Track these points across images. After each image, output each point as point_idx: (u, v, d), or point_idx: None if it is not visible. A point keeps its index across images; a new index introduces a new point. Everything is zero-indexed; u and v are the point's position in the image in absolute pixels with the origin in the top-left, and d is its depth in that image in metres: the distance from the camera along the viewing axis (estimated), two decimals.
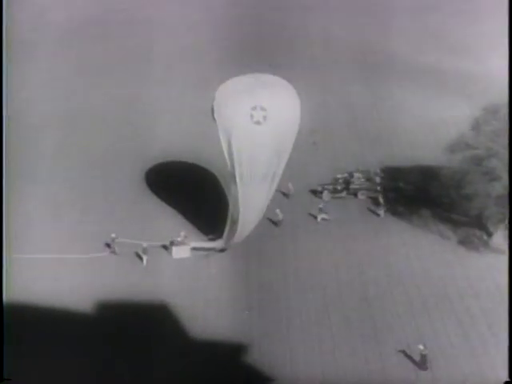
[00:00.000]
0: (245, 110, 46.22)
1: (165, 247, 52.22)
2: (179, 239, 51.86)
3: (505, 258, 50.24)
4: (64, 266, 50.14)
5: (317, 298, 48.21)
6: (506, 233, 52.64)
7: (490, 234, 53.36)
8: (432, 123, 69.25)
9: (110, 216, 55.83)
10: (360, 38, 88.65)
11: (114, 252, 51.62)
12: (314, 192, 59.75)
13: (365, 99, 74.87)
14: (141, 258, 51.08)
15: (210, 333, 45.15)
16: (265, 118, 46.14)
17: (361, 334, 45.25)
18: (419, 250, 52.73)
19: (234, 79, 49.22)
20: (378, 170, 61.24)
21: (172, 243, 51.77)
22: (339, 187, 59.94)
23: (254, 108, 46.11)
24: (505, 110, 51.14)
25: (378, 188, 59.58)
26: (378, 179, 60.41)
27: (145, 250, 50.95)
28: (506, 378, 35.33)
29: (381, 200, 58.06)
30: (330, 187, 59.97)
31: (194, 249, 52.06)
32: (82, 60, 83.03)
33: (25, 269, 48.80)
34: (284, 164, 48.31)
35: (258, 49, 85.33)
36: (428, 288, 48.99)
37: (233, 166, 47.24)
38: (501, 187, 51.34)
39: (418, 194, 58.77)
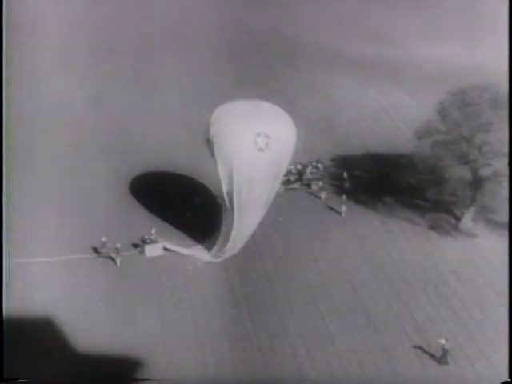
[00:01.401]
0: (248, 136, 45.72)
1: (136, 246, 49.59)
2: (151, 237, 49.39)
3: (479, 241, 51.32)
4: (58, 270, 47.29)
5: (302, 292, 46.90)
6: (475, 216, 53.29)
7: (457, 219, 53.57)
8: (373, 112, 69.18)
9: (104, 220, 52.47)
10: (282, 28, 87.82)
11: (105, 255, 48.85)
12: None
13: (299, 90, 73.96)
14: (114, 260, 48.38)
15: (209, 331, 43.69)
16: (267, 145, 45.86)
17: (355, 324, 44.39)
18: (392, 237, 52.37)
19: (229, 105, 48.61)
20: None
21: (144, 241, 49.30)
22: (292, 178, 58.88)
23: (258, 135, 45.66)
24: (472, 94, 51.73)
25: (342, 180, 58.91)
26: (331, 169, 59.90)
27: (118, 251, 48.22)
28: (506, 371, 35.14)
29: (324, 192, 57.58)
30: (283, 179, 58.73)
31: (166, 249, 49.71)
32: (75, 64, 77.93)
33: (23, 273, 46.09)
34: (277, 188, 48.53)
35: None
36: (410, 274, 48.63)
37: (230, 192, 46.64)
38: (471, 171, 51.83)
39: (376, 181, 58.38)
